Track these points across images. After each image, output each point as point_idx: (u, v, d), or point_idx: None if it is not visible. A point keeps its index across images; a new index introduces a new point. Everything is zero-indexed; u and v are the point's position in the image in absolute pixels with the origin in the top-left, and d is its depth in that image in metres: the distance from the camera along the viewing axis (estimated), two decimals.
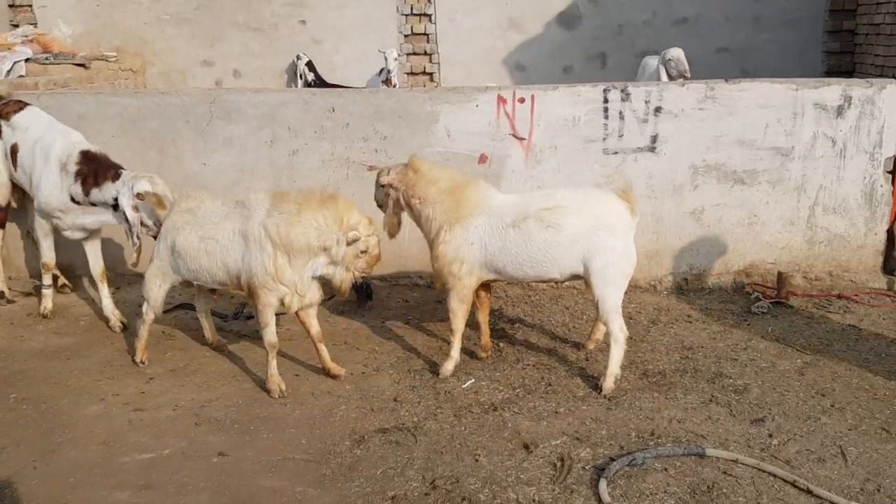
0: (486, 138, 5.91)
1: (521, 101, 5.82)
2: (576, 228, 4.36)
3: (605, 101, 5.77)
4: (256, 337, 5.35)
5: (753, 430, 4.01)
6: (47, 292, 5.85)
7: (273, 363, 4.52)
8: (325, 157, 6.05)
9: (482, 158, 5.94)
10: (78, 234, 5.57)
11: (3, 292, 6.09)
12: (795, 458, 3.75)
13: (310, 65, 10.79)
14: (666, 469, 3.67)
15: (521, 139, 5.90)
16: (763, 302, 5.56)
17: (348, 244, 4.31)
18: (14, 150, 5.61)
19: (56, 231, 5.61)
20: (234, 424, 4.18)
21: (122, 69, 10.84)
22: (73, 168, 5.21)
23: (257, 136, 6.06)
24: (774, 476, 3.59)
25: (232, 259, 4.46)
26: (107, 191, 5.12)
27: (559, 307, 5.79)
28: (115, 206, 5.10)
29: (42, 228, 5.61)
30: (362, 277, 4.51)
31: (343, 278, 4.42)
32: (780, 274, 5.72)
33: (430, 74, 11.09)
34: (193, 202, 4.64)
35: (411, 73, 11.05)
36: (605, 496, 3.43)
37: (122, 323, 5.59)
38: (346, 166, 6.05)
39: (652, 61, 8.20)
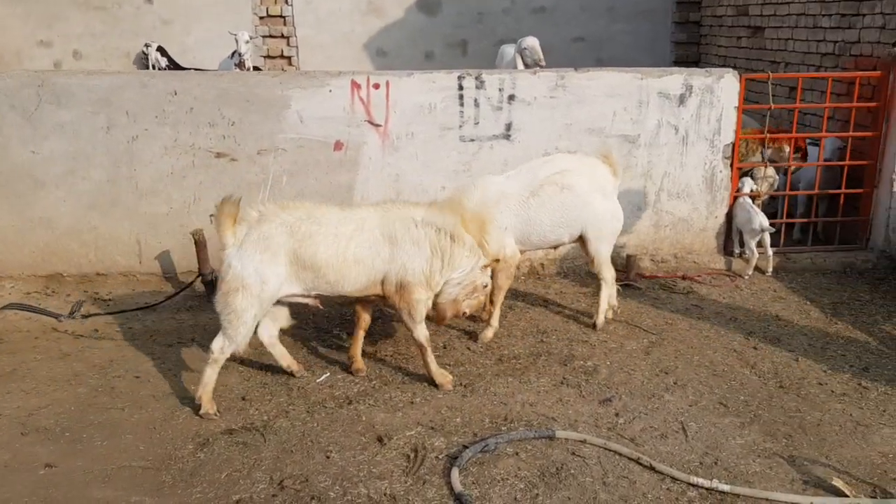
0: (341, 125, 5.76)
1: (376, 87, 5.71)
2: (584, 190, 4.76)
3: (461, 88, 5.75)
4: (95, 337, 5.01)
5: (602, 410, 4.10)
6: None
7: (431, 358, 4.34)
8: (167, 143, 5.70)
9: (337, 145, 5.79)
10: None
11: None
12: (640, 436, 3.86)
13: (161, 50, 10.23)
14: (517, 453, 3.69)
15: (378, 126, 5.79)
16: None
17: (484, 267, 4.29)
18: None
19: None
20: (65, 433, 3.87)
21: None
22: None
23: (92, 121, 5.64)
24: (620, 454, 3.68)
25: (381, 261, 4.11)
26: None
27: None
28: None
29: None
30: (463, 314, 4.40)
31: (450, 300, 4.27)
32: (628, 257, 5.91)
33: (289, 58, 10.78)
34: (300, 211, 4.04)
35: (268, 57, 10.71)
36: (457, 485, 3.41)
37: None
38: (192, 153, 5.74)
39: (509, 49, 8.28)
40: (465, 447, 3.72)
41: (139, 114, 5.65)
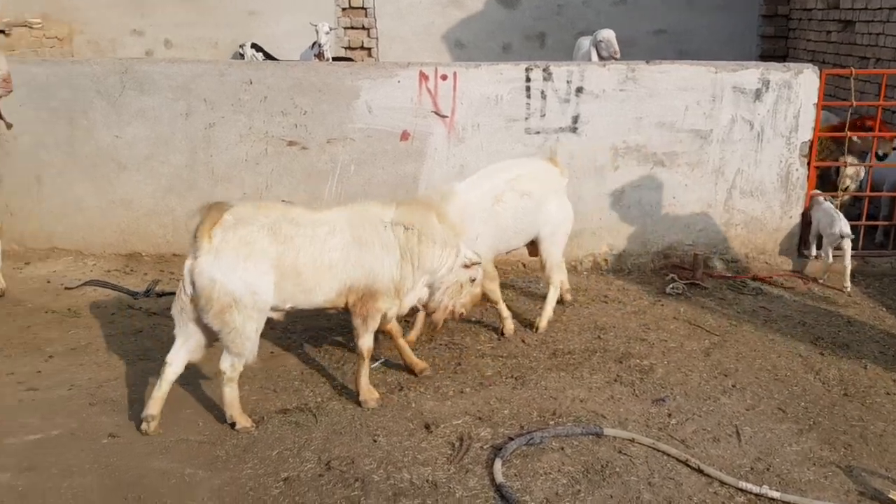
0: (408, 115, 5.82)
1: (444, 78, 5.74)
2: (539, 194, 4.74)
3: (528, 80, 5.72)
4: (167, 315, 5.22)
5: (654, 410, 4.04)
6: None
7: (366, 370, 4.08)
8: (242, 131, 5.89)
9: (404, 136, 5.86)
10: None
11: None
12: (691, 438, 3.79)
13: (255, 46, 10.56)
14: (563, 448, 3.67)
15: (444, 117, 5.83)
16: (678, 283, 5.60)
17: (465, 267, 4.07)
18: None
19: None
20: (130, 405, 4.06)
21: (46, 37, 10.47)
22: None
23: (172, 107, 5.88)
24: (668, 455, 3.61)
25: (350, 266, 3.82)
26: None
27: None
28: None
29: None
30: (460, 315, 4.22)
31: (440, 307, 4.12)
32: (695, 255, 5.77)
33: (369, 49, 10.93)
34: (275, 212, 3.71)
35: (349, 48, 10.87)
36: (499, 476, 3.42)
37: (2, 289, 5.53)
38: (266, 141, 5.91)
39: (585, 42, 8.17)
40: (511, 439, 3.73)
41: (216, 101, 5.86)
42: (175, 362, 3.72)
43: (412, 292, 4.01)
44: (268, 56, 10.42)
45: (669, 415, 3.99)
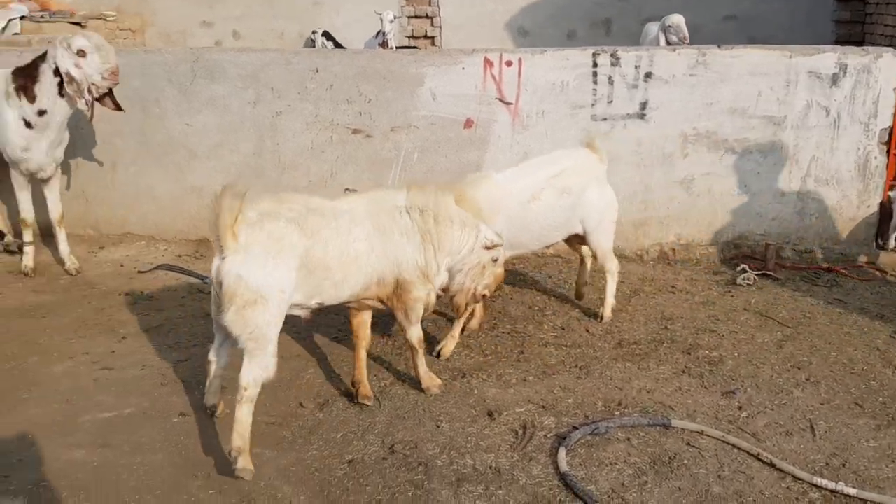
0: (472, 102, 5.79)
1: (509, 64, 5.69)
2: (580, 188, 4.59)
3: (595, 65, 5.63)
4: None
5: (723, 403, 3.94)
6: (28, 249, 5.82)
7: (423, 360, 4.00)
8: (308, 118, 5.95)
9: (468, 123, 5.83)
10: (50, 169, 5.58)
11: None
12: (763, 432, 3.68)
13: (326, 34, 10.68)
14: (629, 439, 3.61)
15: (508, 104, 5.78)
16: (749, 273, 5.45)
17: (487, 248, 3.90)
18: None
19: (33, 182, 5.62)
20: (200, 386, 4.13)
21: (120, 28, 10.76)
22: (13, 90, 5.27)
23: (241, 96, 5.97)
24: (739, 449, 3.52)
25: (375, 257, 3.66)
26: (45, 78, 5.17)
27: (542, 275, 5.71)
28: (62, 92, 5.18)
29: (17, 182, 5.60)
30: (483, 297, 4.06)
31: (462, 290, 3.94)
32: (767, 245, 5.61)
33: (432, 38, 10.93)
34: (298, 204, 3.51)
35: (412, 37, 10.89)
36: (563, 464, 3.38)
37: (77, 269, 5.76)
38: (331, 129, 5.96)
39: (653, 27, 8.02)
40: (575, 428, 3.68)
41: (283, 90, 5.93)
42: (217, 360, 3.67)
43: (438, 276, 3.86)
44: (337, 45, 10.53)
45: (740, 407, 3.89)
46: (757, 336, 4.66)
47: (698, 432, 3.66)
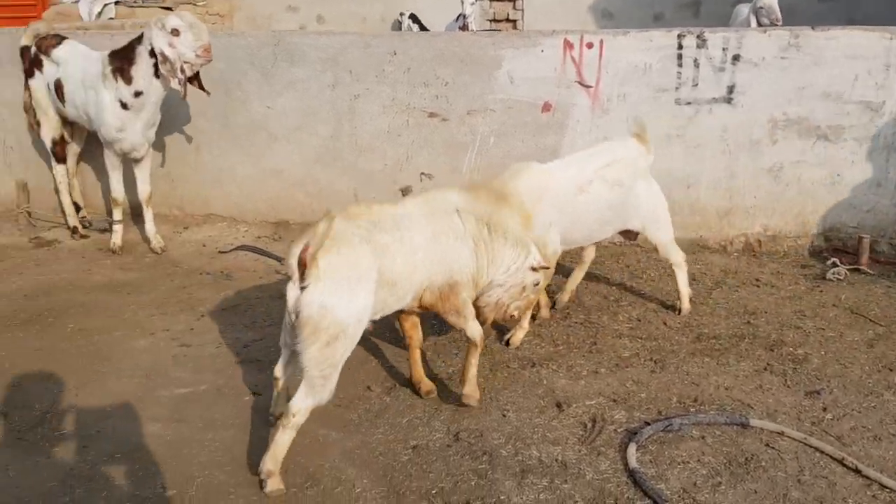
0: (550, 85, 5.67)
1: (589, 46, 5.54)
2: (631, 181, 4.36)
3: (680, 47, 5.42)
4: None
5: (807, 403, 3.74)
6: (117, 228, 6.05)
7: (476, 361, 3.73)
8: (385, 102, 5.95)
9: (546, 107, 5.71)
10: (143, 149, 5.76)
11: (75, 227, 6.34)
12: (849, 435, 3.48)
13: (413, 17, 10.69)
14: (703, 437, 3.47)
15: (588, 87, 5.63)
16: (840, 268, 5.17)
17: (533, 270, 3.73)
18: (59, 85, 5.79)
19: (125, 163, 5.81)
20: (272, 365, 4.19)
21: (209, 13, 11.02)
22: (109, 72, 5.43)
23: (320, 79, 6.01)
24: (821, 452, 3.34)
25: (430, 262, 3.48)
26: (141, 59, 5.32)
27: (619, 265, 5.57)
28: (157, 73, 5.32)
29: (110, 162, 5.80)
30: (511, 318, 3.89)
31: (494, 303, 3.74)
32: (861, 238, 5.30)
33: (514, 22, 10.77)
34: (364, 218, 3.31)
35: (494, 20, 10.77)
36: (633, 461, 3.27)
37: (162, 247, 5.98)
38: (407, 112, 5.94)
39: (744, 9, 7.68)
40: (647, 424, 3.57)
41: (362, 73, 5.94)
42: (283, 376, 3.49)
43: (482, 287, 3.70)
44: (423, 28, 10.51)
45: (824, 409, 3.69)
46: (846, 334, 4.42)
47: (778, 433, 3.49)
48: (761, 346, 4.30)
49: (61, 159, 6.25)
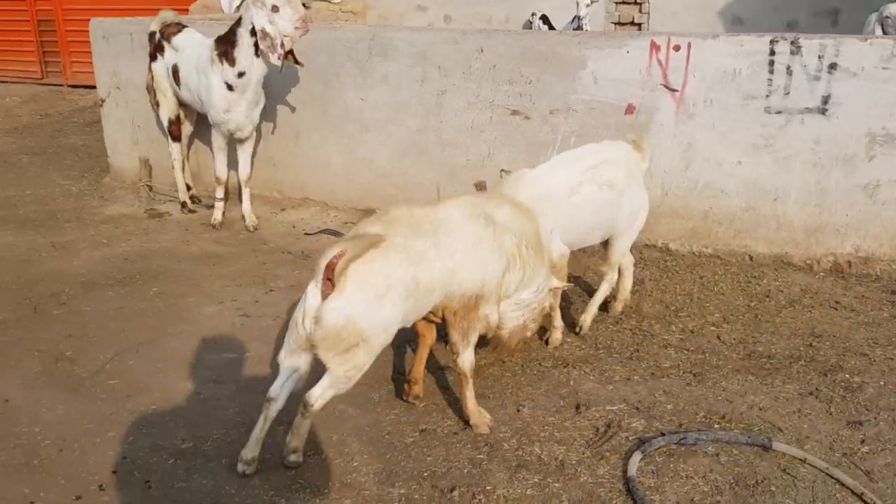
0: (634, 88, 5.55)
1: (677, 48, 5.38)
2: (622, 185, 4.18)
3: (772, 53, 5.15)
4: None
5: (845, 433, 3.50)
6: (219, 205, 6.49)
7: (472, 391, 3.56)
8: (470, 98, 6.03)
9: (629, 109, 5.60)
10: (247, 129, 6.14)
11: (184, 202, 6.86)
12: (880, 471, 3.23)
13: (544, 18, 10.74)
14: (717, 455, 3.33)
15: (673, 91, 5.46)
16: None
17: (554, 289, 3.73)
18: (175, 70, 6.27)
19: (230, 145, 6.24)
20: None
21: (342, 11, 11.50)
22: (216, 56, 5.82)
23: (410, 73, 6.18)
24: (842, 484, 3.12)
25: (464, 270, 3.31)
26: (243, 40, 5.65)
27: (693, 276, 5.37)
28: (257, 52, 5.64)
29: (217, 143, 6.24)
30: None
31: (516, 324, 3.64)
32: None
33: (639, 25, 10.51)
34: (399, 224, 3.15)
35: (618, 23, 10.55)
36: (633, 468, 3.20)
37: (255, 226, 6.35)
38: (491, 109, 6.00)
39: (874, 17, 7.14)
40: (662, 434, 3.46)
41: (449, 69, 6.06)
42: (277, 399, 3.21)
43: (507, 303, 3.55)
44: (552, 28, 10.50)
45: (863, 441, 3.44)
46: None
47: (801, 459, 3.29)
48: (815, 370, 4.04)
49: (176, 138, 6.78)
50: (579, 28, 8.92)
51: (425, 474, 3.23)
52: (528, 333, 3.78)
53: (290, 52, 5.64)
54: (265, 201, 6.93)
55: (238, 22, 5.72)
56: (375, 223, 3.14)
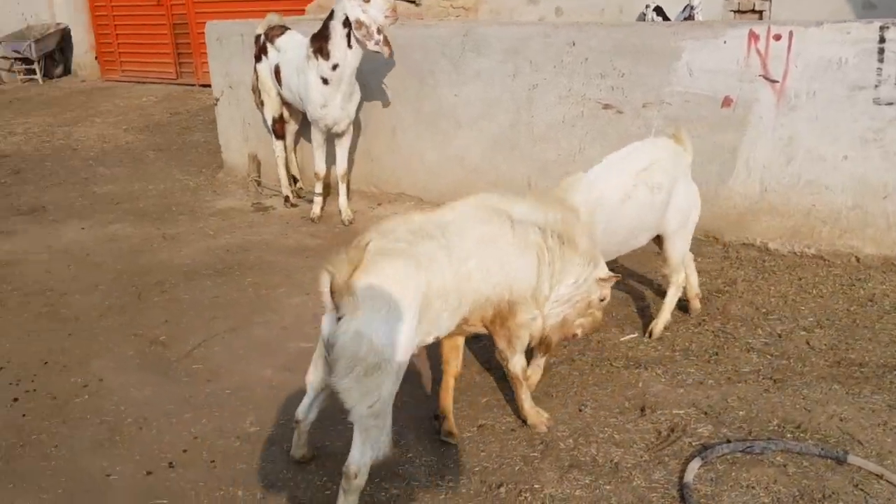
0: (732, 79, 5.30)
1: (777, 38, 5.09)
2: (670, 186, 4.01)
3: (881, 41, 4.79)
4: None
5: None
6: (317, 199, 6.74)
7: (527, 394, 3.51)
8: (562, 92, 5.96)
9: (726, 102, 5.36)
10: (343, 123, 6.31)
11: (287, 197, 7.15)
12: None
13: (658, 10, 10.47)
14: (785, 466, 3.16)
15: (774, 82, 5.18)
16: None
17: (601, 280, 3.45)
18: (277, 70, 6.53)
19: (328, 142, 6.46)
20: None
21: (453, 6, 11.59)
22: (311, 52, 6.02)
23: (502, 69, 6.17)
24: None
25: (481, 275, 3.09)
26: (335, 33, 5.81)
27: (791, 276, 5.08)
28: (349, 43, 5.79)
29: (315, 140, 6.47)
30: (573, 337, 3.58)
31: (560, 322, 3.43)
32: None
33: (760, 13, 10.01)
34: (403, 228, 2.96)
35: (738, 11, 10.08)
36: (690, 475, 3.09)
37: (350, 220, 6.53)
38: (582, 104, 5.90)
39: None
40: (728, 442, 3.32)
41: (540, 63, 6.00)
42: (305, 418, 3.20)
43: (547, 303, 3.34)
44: (667, 20, 10.20)
45: None
46: None
47: (877, 475, 3.07)
48: None
49: (279, 136, 7.08)
50: (690, 17, 8.60)
51: (476, 469, 3.24)
52: (578, 332, 3.53)
53: (385, 38, 5.76)
54: (363, 196, 7.12)
55: (330, 16, 5.90)
56: (375, 234, 2.92)
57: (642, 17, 10.57)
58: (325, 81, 6.04)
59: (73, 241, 6.31)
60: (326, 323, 2.80)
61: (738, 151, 5.39)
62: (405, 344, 2.76)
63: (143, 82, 14.83)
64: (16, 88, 14.76)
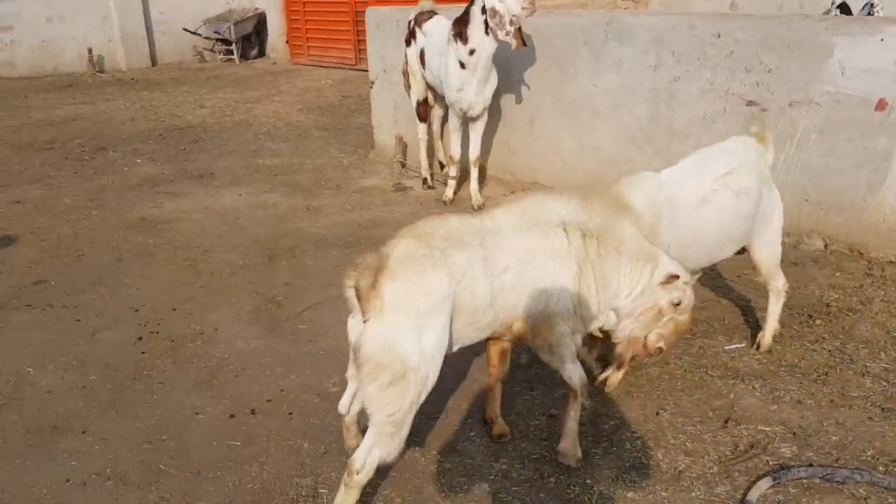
0: (888, 80, 4.83)
1: None
2: (757, 190, 3.65)
3: None
4: None
5: None
6: (451, 182, 6.87)
7: (577, 411, 3.20)
8: (704, 86, 5.69)
9: (880, 104, 4.89)
10: (478, 108, 6.38)
11: (426, 178, 7.35)
12: None
13: (843, 6, 9.76)
14: (867, 498, 2.90)
15: None
16: None
17: (664, 284, 3.13)
18: (422, 54, 6.68)
19: (464, 126, 6.58)
20: None
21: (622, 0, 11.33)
22: (451, 37, 6.11)
23: (643, 59, 5.98)
24: None
25: (520, 286, 2.94)
26: (474, 18, 5.88)
27: None
28: (486, 29, 5.85)
29: (452, 124, 6.60)
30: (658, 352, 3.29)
31: (627, 338, 3.23)
32: None
33: None
34: (435, 237, 2.79)
35: None
36: (755, 494, 2.92)
37: (480, 205, 6.57)
38: (725, 99, 5.60)
39: None
40: (809, 466, 3.09)
41: (683, 55, 5.76)
42: (351, 412, 3.12)
43: (595, 321, 3.12)
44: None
45: None
46: None
47: None
48: None
49: (423, 119, 7.27)
50: (870, 15, 7.88)
51: (534, 456, 3.24)
52: (662, 344, 3.22)
53: (519, 29, 5.76)
54: (498, 182, 7.18)
55: (472, 1, 5.98)
56: (406, 238, 2.78)
57: (826, 13, 9.82)
58: (463, 65, 6.14)
59: (228, 206, 6.85)
60: (353, 325, 2.75)
61: (891, 159, 4.92)
62: (431, 355, 2.65)
63: (326, 66, 15.68)
64: (214, 66, 16.10)
